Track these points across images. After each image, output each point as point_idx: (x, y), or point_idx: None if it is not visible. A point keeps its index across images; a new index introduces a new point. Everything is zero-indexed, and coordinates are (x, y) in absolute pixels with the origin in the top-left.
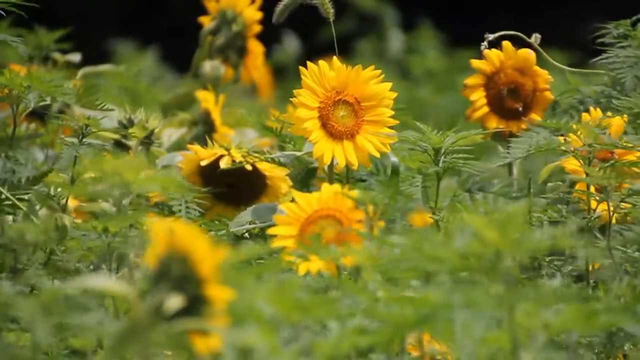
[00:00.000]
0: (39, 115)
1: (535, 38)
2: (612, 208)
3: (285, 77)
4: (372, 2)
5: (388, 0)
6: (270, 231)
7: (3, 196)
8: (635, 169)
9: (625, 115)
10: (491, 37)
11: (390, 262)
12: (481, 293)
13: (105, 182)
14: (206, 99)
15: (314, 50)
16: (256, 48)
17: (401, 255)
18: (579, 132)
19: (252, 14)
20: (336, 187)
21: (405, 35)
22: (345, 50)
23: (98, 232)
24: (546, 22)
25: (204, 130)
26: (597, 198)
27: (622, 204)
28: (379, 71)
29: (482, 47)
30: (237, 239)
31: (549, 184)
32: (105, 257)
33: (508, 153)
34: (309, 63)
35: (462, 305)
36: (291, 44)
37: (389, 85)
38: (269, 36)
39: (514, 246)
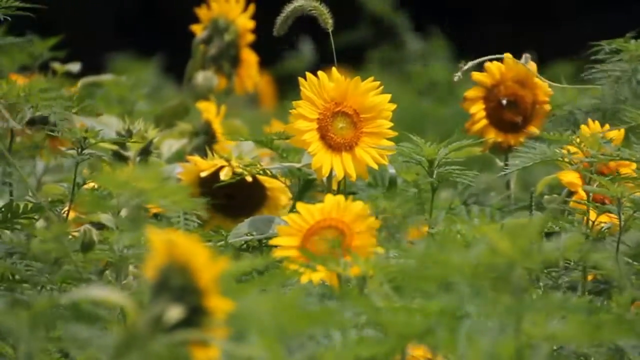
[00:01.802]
0: (37, 125)
1: (525, 58)
2: (622, 219)
3: (287, 87)
4: (386, 8)
5: (403, 7)
6: (273, 242)
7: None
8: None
9: (622, 129)
10: (466, 66)
11: (400, 271)
12: (490, 303)
13: (118, 192)
14: (207, 109)
15: (328, 58)
16: (250, 57)
17: (411, 265)
18: (582, 144)
19: (245, 23)
20: (339, 197)
21: (421, 43)
22: (362, 57)
23: (110, 243)
24: (549, 31)
25: (205, 141)
26: (599, 209)
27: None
28: (379, 82)
29: (455, 79)
30: (236, 250)
31: (546, 197)
32: (115, 269)
33: (506, 165)
34: (307, 74)
35: (469, 316)
36: (306, 51)
37: (388, 96)
38: (270, 46)
39: (526, 257)
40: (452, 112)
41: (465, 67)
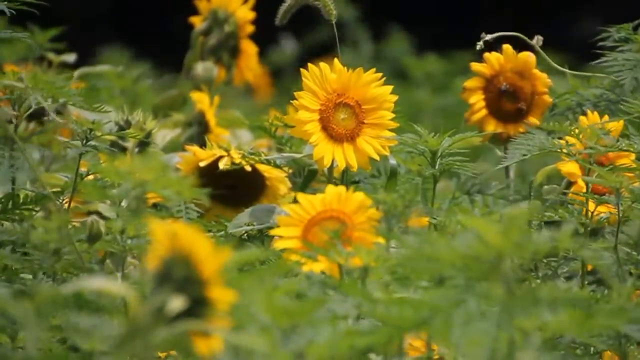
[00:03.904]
0: (36, 115)
1: (537, 40)
2: (621, 210)
3: (281, 78)
4: (346, 9)
5: (359, 3)
6: (273, 232)
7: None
8: (632, 173)
9: (622, 120)
10: (488, 37)
11: (398, 263)
12: (481, 295)
13: (121, 182)
14: (201, 100)
15: (310, 52)
16: (249, 48)
17: (408, 257)
18: (580, 135)
19: (245, 14)
20: (340, 188)
21: (377, 40)
22: (338, 53)
23: (114, 233)
24: (540, 24)
25: (199, 131)
26: (598, 200)
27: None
28: (380, 74)
29: (478, 47)
30: (236, 240)
31: (545, 187)
32: (116, 259)
33: (506, 156)
34: (310, 65)
35: (462, 308)
36: (288, 45)
37: (389, 88)
38: (265, 37)
39: (516, 248)
40: (446, 102)
41: (488, 37)
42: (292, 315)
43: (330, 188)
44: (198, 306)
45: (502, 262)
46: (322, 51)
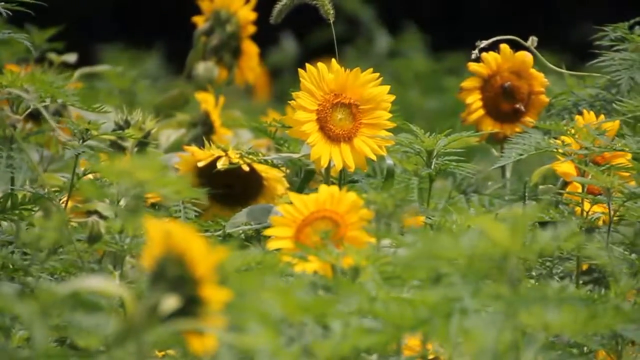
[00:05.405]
0: (35, 115)
1: (532, 41)
2: (612, 210)
3: (281, 78)
4: (357, 5)
5: (375, 3)
6: (267, 232)
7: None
8: (627, 172)
9: (617, 120)
10: (484, 44)
11: (397, 262)
12: (485, 294)
13: (119, 182)
14: (206, 100)
15: (310, 52)
16: (251, 49)
17: (412, 256)
18: (575, 135)
19: (247, 15)
20: (333, 188)
21: (391, 38)
22: (335, 53)
23: (113, 233)
24: (534, 25)
25: (203, 131)
26: (591, 200)
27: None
28: (377, 74)
29: (474, 56)
30: (234, 240)
31: (541, 187)
32: (113, 258)
33: (502, 155)
34: (307, 65)
35: (464, 307)
36: (288, 45)
37: (387, 88)
38: (266, 37)
39: (523, 247)
40: (436, 102)
41: (484, 44)
42: (308, 310)
43: (323, 188)
44: (192, 305)
45: (508, 261)
46: (325, 51)
